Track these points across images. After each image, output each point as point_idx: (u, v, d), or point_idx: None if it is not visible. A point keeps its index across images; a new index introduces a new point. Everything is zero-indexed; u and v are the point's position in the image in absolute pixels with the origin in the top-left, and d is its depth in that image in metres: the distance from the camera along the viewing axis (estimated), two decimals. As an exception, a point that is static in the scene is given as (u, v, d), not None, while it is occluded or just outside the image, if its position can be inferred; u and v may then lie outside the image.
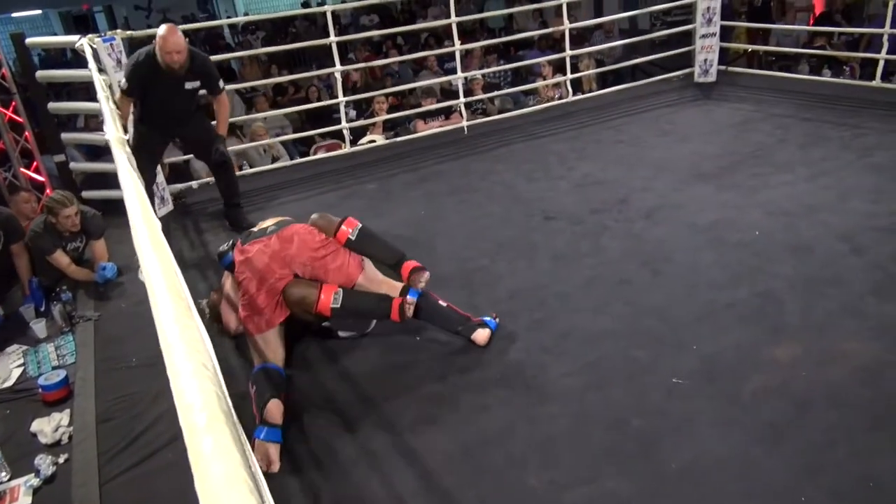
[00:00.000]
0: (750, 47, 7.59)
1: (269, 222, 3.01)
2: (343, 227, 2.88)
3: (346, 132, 5.64)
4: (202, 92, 4.08)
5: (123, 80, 3.89)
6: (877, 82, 5.54)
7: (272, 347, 2.77)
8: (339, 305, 2.73)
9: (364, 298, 2.84)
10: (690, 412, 2.31)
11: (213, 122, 4.31)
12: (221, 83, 4.07)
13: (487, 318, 2.90)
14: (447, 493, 2.10)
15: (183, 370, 0.76)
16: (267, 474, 2.27)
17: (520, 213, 4.23)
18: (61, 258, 3.79)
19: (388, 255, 2.92)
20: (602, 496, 2.02)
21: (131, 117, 4.01)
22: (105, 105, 3.12)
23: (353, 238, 2.87)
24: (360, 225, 2.91)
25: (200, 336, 0.94)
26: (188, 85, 3.91)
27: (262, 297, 2.75)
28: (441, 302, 2.89)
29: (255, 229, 3.01)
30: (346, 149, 5.69)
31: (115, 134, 2.40)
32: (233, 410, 0.77)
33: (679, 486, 2.02)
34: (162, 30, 3.76)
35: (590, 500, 2.01)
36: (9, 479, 2.43)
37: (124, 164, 2.06)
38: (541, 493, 2.05)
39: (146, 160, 3.93)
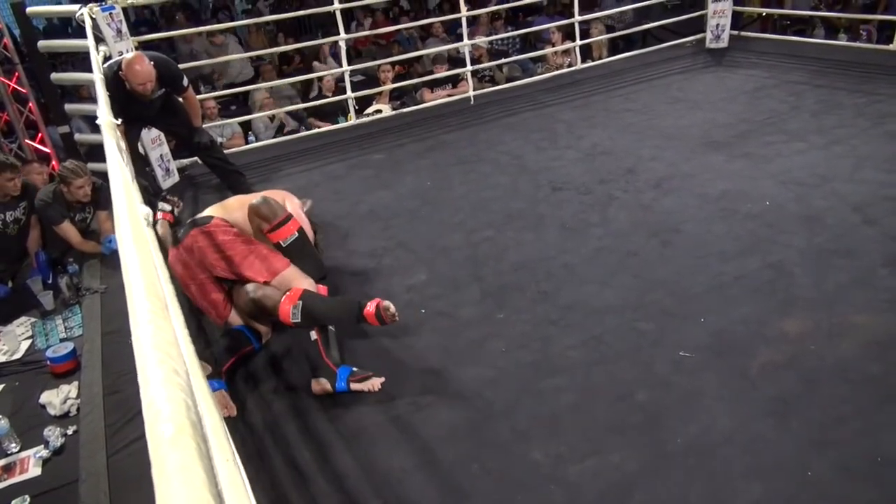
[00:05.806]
0: (764, 11, 7.40)
1: (196, 217, 2.96)
2: (287, 225, 2.85)
3: (350, 102, 5.58)
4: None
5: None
6: (894, 46, 5.39)
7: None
8: (298, 320, 2.61)
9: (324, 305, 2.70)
10: (697, 386, 2.30)
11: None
12: (185, 81, 3.98)
13: (343, 369, 2.51)
14: (451, 466, 2.10)
15: (153, 377, 0.74)
16: (260, 455, 2.28)
17: (527, 183, 4.18)
18: (69, 230, 3.77)
19: (313, 273, 2.89)
20: (607, 470, 2.01)
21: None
22: (100, 87, 3.06)
23: (284, 245, 2.85)
24: (298, 232, 2.87)
25: (174, 338, 0.92)
26: (156, 94, 3.85)
27: (200, 293, 2.85)
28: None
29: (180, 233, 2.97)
30: (353, 120, 5.64)
31: (107, 119, 2.35)
32: (202, 420, 0.76)
33: (685, 461, 2.01)
34: (129, 60, 3.63)
35: (595, 474, 2.00)
36: (18, 451, 2.46)
37: (114, 154, 2.01)
38: (546, 467, 2.05)
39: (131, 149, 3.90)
